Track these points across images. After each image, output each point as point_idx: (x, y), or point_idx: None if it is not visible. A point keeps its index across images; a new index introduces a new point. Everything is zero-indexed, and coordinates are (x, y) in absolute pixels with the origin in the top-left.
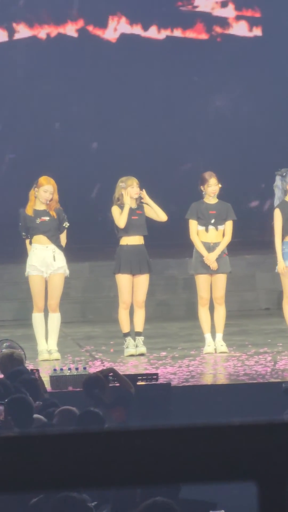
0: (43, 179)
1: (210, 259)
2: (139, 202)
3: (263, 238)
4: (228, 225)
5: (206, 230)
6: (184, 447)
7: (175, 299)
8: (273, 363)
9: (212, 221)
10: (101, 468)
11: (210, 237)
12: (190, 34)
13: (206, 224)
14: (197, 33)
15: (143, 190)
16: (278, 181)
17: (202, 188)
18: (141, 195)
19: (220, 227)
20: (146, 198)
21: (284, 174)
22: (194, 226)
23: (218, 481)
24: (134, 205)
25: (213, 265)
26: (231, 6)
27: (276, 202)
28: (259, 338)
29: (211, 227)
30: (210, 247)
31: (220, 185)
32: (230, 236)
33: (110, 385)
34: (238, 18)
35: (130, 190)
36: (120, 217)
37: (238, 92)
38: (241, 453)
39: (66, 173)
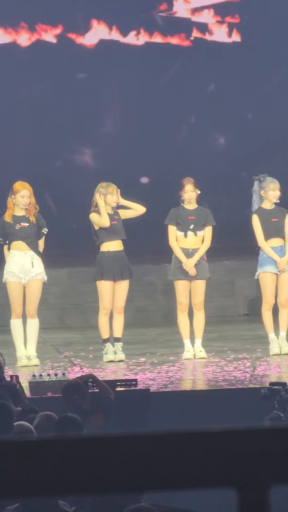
0: (18, 185)
1: (189, 265)
2: (116, 207)
3: (243, 244)
4: (207, 231)
5: (185, 235)
6: (163, 453)
7: (154, 305)
8: (252, 369)
9: (191, 226)
10: (79, 474)
11: (189, 243)
12: (169, 39)
13: (185, 229)
14: (176, 39)
15: (118, 190)
16: (256, 186)
17: (180, 193)
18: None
19: (199, 233)
20: (122, 200)
21: (262, 179)
22: (173, 232)
23: (197, 487)
24: (110, 211)
25: (192, 271)
26: (210, 12)
27: (254, 207)
28: (238, 344)
29: (190, 233)
30: (189, 253)
31: (198, 191)
32: (209, 241)
33: (90, 391)
34: (217, 24)
35: (109, 198)
36: (101, 219)
37: (217, 97)
38: (220, 460)
39: (43, 179)
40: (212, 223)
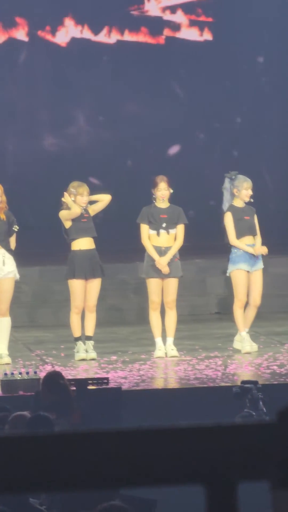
0: None
1: (162, 263)
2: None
3: (214, 243)
4: (180, 229)
5: (158, 234)
6: (133, 450)
7: (125, 304)
8: (223, 367)
9: (164, 225)
10: (48, 471)
11: (162, 241)
12: (141, 38)
13: (157, 228)
14: (147, 37)
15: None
16: (227, 183)
17: (153, 191)
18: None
19: (172, 231)
20: (90, 197)
21: (233, 176)
22: (145, 230)
23: (166, 484)
24: (81, 211)
25: (165, 269)
26: (181, 11)
27: (225, 204)
28: (210, 342)
29: (162, 231)
30: (161, 251)
31: (171, 190)
32: (181, 240)
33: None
34: (188, 22)
35: (79, 199)
36: (70, 212)
37: (188, 96)
38: (188, 456)
39: (16, 177)
40: (184, 221)
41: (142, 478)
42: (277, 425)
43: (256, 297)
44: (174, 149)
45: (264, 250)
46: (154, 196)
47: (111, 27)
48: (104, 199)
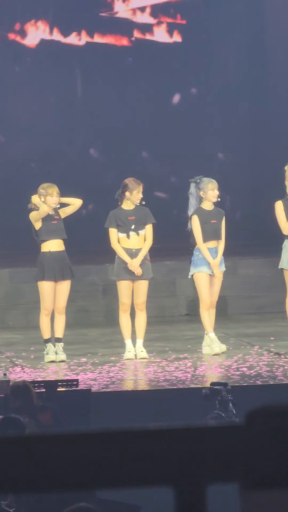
0: None
1: (134, 265)
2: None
3: (183, 244)
4: (148, 229)
5: (128, 236)
6: (101, 452)
7: (95, 305)
8: (193, 369)
9: (132, 227)
10: (15, 473)
11: (132, 243)
12: (110, 40)
13: (127, 230)
14: (117, 39)
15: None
16: (192, 188)
17: (124, 194)
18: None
19: (141, 232)
20: (61, 199)
21: (198, 181)
22: (114, 234)
23: (134, 486)
24: (50, 211)
25: (138, 271)
26: (151, 13)
27: (191, 209)
28: (179, 344)
29: (132, 233)
30: (132, 253)
31: (141, 195)
32: (151, 239)
33: (37, 390)
34: (158, 24)
35: (49, 199)
36: (39, 212)
37: (158, 97)
38: (157, 459)
39: None
40: (152, 221)
41: (110, 479)
42: (245, 427)
43: (213, 299)
44: (143, 153)
45: (218, 272)
46: (124, 198)
47: (81, 29)
48: (75, 203)
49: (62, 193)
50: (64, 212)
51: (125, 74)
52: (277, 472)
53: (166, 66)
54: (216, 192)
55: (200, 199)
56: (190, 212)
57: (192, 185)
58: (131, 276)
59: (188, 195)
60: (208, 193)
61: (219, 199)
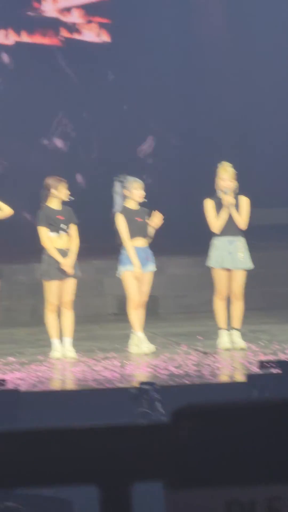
0: None
1: (68, 264)
2: None
3: (111, 243)
4: (73, 229)
5: (59, 236)
6: (26, 450)
7: (21, 305)
8: (121, 368)
9: (62, 226)
10: None
11: (63, 243)
12: (38, 39)
13: (57, 229)
14: (45, 39)
15: None
16: (117, 187)
17: (50, 192)
18: None
19: (69, 231)
20: None
21: (122, 180)
22: (45, 233)
23: (58, 485)
24: None
25: (71, 271)
26: (79, 12)
27: (117, 208)
28: (107, 343)
29: (62, 232)
30: (63, 253)
31: (68, 191)
32: (78, 238)
33: None
34: (86, 23)
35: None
36: None
37: (87, 97)
38: (84, 457)
39: None
40: (76, 221)
41: (34, 478)
42: (171, 426)
43: (142, 298)
44: (73, 148)
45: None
46: (54, 196)
47: (7, 29)
48: (5, 211)
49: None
50: None
51: (53, 73)
52: (202, 471)
53: (95, 65)
54: (142, 192)
55: (124, 197)
56: (115, 210)
57: (117, 184)
58: (61, 275)
59: (112, 193)
60: (133, 192)
61: (145, 200)
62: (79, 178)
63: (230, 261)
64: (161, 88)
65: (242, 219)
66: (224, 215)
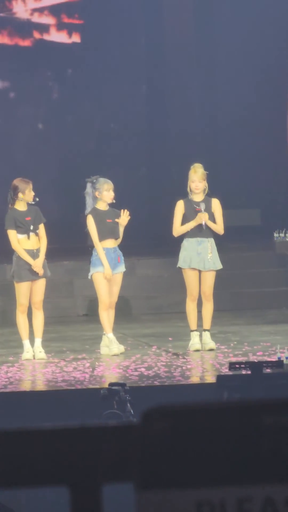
0: None
1: (39, 265)
2: None
3: (81, 244)
4: (42, 228)
5: (28, 237)
6: None
7: None
8: (91, 369)
9: (31, 227)
10: None
11: (32, 244)
12: (9, 40)
13: (27, 231)
14: (15, 40)
15: None
16: (89, 188)
17: (17, 195)
18: None
19: (37, 232)
20: None
21: (94, 180)
22: (14, 236)
23: (28, 486)
24: None
25: (42, 271)
26: (50, 13)
27: (88, 209)
28: (77, 344)
29: (31, 234)
30: (33, 254)
31: (33, 193)
32: (45, 238)
33: None
34: (57, 25)
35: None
36: None
37: (57, 98)
38: (53, 458)
39: None
40: (44, 220)
41: (3, 480)
42: (141, 426)
43: (112, 299)
44: (45, 150)
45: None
46: (20, 199)
47: None
48: None
49: None
50: None
51: (25, 74)
52: (172, 472)
53: (66, 66)
54: (112, 194)
55: (96, 199)
56: (87, 212)
57: (88, 185)
58: (33, 276)
59: (84, 194)
60: (104, 193)
61: (114, 201)
62: (47, 177)
63: (199, 261)
64: (133, 88)
65: (219, 226)
66: (190, 226)
